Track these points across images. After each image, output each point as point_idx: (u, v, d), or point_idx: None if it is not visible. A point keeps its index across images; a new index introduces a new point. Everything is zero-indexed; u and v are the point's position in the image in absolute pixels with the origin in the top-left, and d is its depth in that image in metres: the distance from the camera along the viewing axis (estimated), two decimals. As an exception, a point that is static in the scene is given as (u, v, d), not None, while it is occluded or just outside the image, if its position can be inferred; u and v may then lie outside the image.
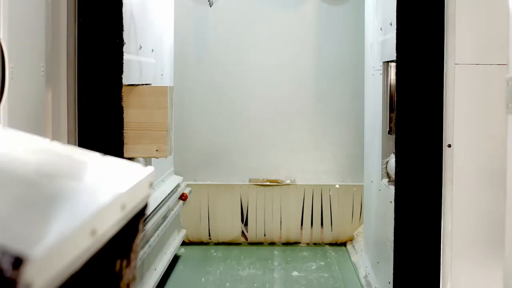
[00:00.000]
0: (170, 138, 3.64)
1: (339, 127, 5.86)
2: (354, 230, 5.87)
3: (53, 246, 0.85)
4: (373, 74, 4.70)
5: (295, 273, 5.06)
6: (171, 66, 5.48)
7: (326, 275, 5.06)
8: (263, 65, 5.88)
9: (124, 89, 3.60)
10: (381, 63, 4.34)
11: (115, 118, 3.18)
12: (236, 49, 5.85)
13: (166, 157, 3.64)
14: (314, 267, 5.26)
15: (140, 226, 1.27)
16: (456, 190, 3.18)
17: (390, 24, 3.85)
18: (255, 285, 4.85)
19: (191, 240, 5.89)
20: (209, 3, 4.46)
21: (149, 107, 3.58)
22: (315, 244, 5.88)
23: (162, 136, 3.57)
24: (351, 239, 5.84)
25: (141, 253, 3.84)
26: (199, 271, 5.16)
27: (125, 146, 3.44)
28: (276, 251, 5.68)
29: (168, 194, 4.94)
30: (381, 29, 4.31)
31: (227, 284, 4.87)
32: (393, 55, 3.30)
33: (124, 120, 3.37)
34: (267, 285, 4.82)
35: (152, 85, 3.64)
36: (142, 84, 4.00)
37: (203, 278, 5.01)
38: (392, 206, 3.34)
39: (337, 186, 5.87)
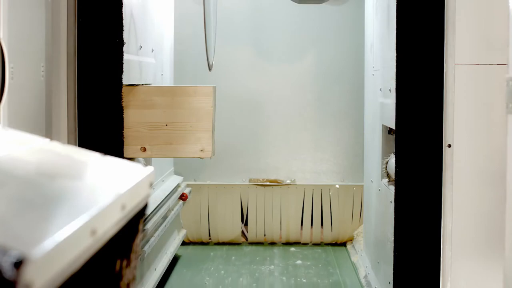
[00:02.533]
0: (213, 138, 3.68)
1: (339, 127, 5.86)
2: (354, 230, 5.87)
3: (53, 246, 0.85)
4: (373, 74, 4.70)
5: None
6: (171, 66, 5.48)
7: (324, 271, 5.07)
8: (263, 66, 5.88)
9: (169, 89, 3.63)
10: (381, 125, 4.32)
11: (115, 118, 3.19)
12: (235, 49, 5.85)
13: (210, 157, 3.68)
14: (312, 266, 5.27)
15: (140, 226, 1.27)
16: (456, 190, 3.18)
17: (390, 90, 3.84)
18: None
19: (191, 240, 5.89)
20: (209, 68, 4.42)
21: (194, 107, 3.60)
22: (315, 244, 5.88)
23: (206, 136, 3.60)
24: (351, 239, 5.84)
25: (141, 253, 3.84)
26: (199, 271, 5.16)
27: (169, 146, 3.50)
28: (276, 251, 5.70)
29: (168, 194, 4.94)
30: (380, 89, 4.29)
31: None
32: (392, 123, 3.33)
33: (169, 120, 3.43)
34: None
35: (198, 86, 3.66)
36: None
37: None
38: (392, 206, 3.34)
39: (337, 186, 5.87)
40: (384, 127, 4.31)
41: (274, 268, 5.22)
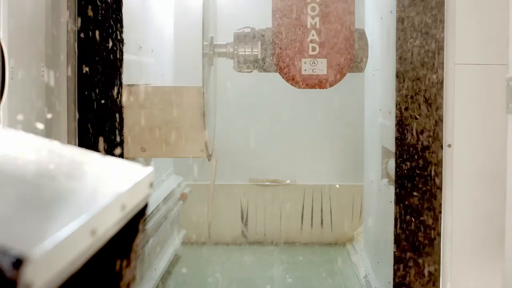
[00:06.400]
0: (212, 138, 3.69)
1: (339, 127, 5.86)
2: (354, 230, 5.87)
3: (53, 246, 0.85)
4: (373, 74, 4.70)
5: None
6: (171, 66, 5.48)
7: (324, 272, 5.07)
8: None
9: (169, 89, 3.64)
10: (380, 148, 4.31)
11: (115, 118, 3.19)
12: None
13: (208, 156, 3.70)
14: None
15: (140, 226, 1.27)
16: (456, 190, 3.18)
17: (389, 112, 3.83)
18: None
19: (191, 240, 5.89)
20: (208, 158, 4.35)
21: (194, 107, 3.60)
22: (315, 244, 5.88)
23: (206, 136, 3.61)
24: (351, 239, 5.84)
25: (141, 253, 3.84)
26: (199, 271, 5.16)
27: (169, 146, 3.50)
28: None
29: (168, 194, 4.94)
30: (380, 110, 4.28)
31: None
32: (392, 146, 3.35)
33: (169, 120, 3.44)
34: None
35: (197, 86, 3.66)
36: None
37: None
38: (392, 206, 3.34)
39: (337, 186, 5.87)
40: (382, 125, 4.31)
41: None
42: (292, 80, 4.01)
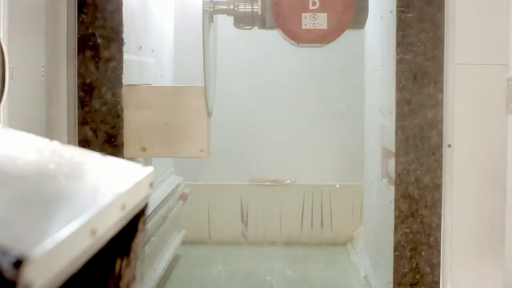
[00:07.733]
0: (209, 138, 3.70)
1: (339, 127, 5.86)
2: (354, 230, 5.87)
3: (53, 246, 0.85)
4: (373, 74, 4.70)
5: None
6: (171, 66, 5.48)
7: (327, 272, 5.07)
8: (263, 64, 5.87)
9: (169, 89, 3.64)
10: (380, 148, 4.30)
11: (115, 118, 3.19)
12: (236, 48, 5.84)
13: (207, 156, 3.70)
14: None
15: (140, 226, 1.27)
16: (456, 190, 3.18)
17: (389, 112, 3.82)
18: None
19: (191, 240, 5.89)
20: (208, 114, 4.26)
21: (194, 107, 3.60)
22: (315, 244, 5.88)
23: (206, 136, 3.62)
24: (351, 239, 5.84)
25: (141, 253, 3.84)
26: (199, 271, 5.16)
27: (169, 146, 3.50)
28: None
29: (168, 194, 4.94)
30: (380, 110, 4.27)
31: None
32: (392, 146, 3.34)
33: (169, 120, 3.43)
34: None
35: (198, 86, 3.65)
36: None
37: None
38: (392, 206, 3.34)
39: (337, 186, 5.87)
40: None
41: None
42: (292, 35, 4.00)
